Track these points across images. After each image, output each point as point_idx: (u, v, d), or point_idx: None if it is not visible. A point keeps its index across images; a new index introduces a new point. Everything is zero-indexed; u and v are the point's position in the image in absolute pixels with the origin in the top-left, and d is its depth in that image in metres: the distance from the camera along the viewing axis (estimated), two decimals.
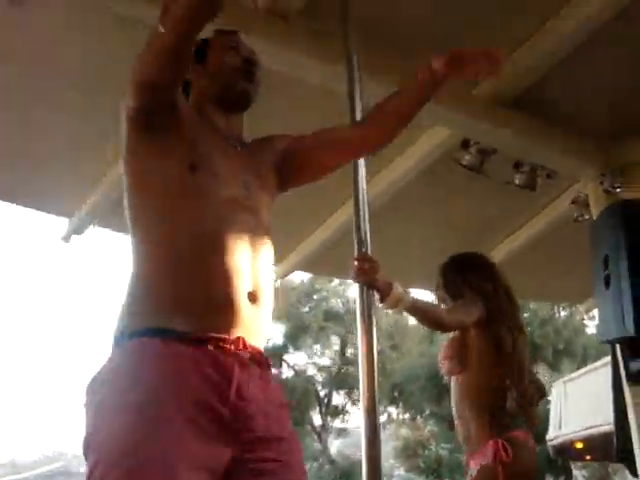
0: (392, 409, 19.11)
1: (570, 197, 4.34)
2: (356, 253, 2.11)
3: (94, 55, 3.04)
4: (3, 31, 2.82)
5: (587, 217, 4.09)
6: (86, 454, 1.35)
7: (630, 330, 2.98)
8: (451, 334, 2.84)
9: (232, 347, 1.41)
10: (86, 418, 1.39)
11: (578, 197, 4.20)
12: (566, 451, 11.63)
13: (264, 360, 1.50)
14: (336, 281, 19.06)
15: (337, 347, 20.19)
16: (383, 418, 19.82)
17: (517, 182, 3.88)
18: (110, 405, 1.35)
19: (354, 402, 19.65)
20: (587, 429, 8.89)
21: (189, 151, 1.55)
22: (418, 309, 2.46)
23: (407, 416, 19.15)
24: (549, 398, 12.46)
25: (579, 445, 10.72)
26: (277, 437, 1.44)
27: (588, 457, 12.72)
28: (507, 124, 3.47)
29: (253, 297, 1.47)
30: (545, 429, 12.04)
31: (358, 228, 2.10)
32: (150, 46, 1.46)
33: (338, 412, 20.02)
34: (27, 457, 26.36)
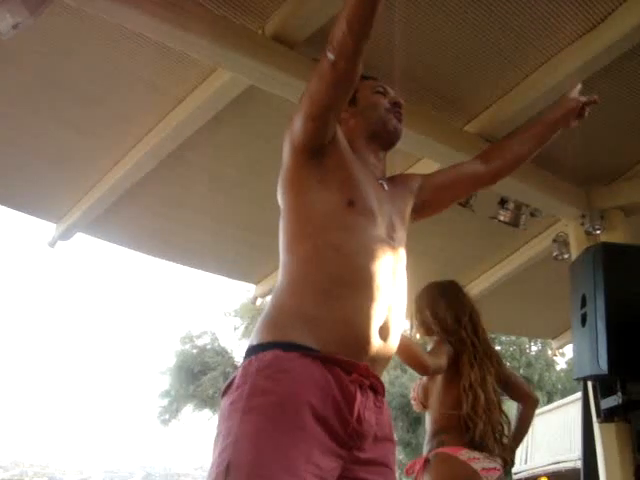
0: None
1: (551, 235, 4.46)
2: None
3: (95, 68, 3.11)
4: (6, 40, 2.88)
5: (566, 256, 4.20)
6: (217, 450, 1.40)
7: (604, 368, 3.07)
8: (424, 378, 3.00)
9: (358, 374, 1.49)
10: (220, 418, 1.46)
11: (559, 236, 4.32)
12: None
13: (381, 388, 1.59)
14: None
15: None
16: None
17: (501, 218, 3.98)
18: (240, 409, 1.42)
19: None
20: (553, 464, 8.96)
21: (348, 186, 1.64)
22: (402, 344, 2.55)
23: None
24: None
25: None
26: (380, 462, 1.54)
27: None
28: None
29: (384, 333, 1.56)
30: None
31: None
32: (322, 75, 1.57)
33: None
34: None
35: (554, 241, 4.33)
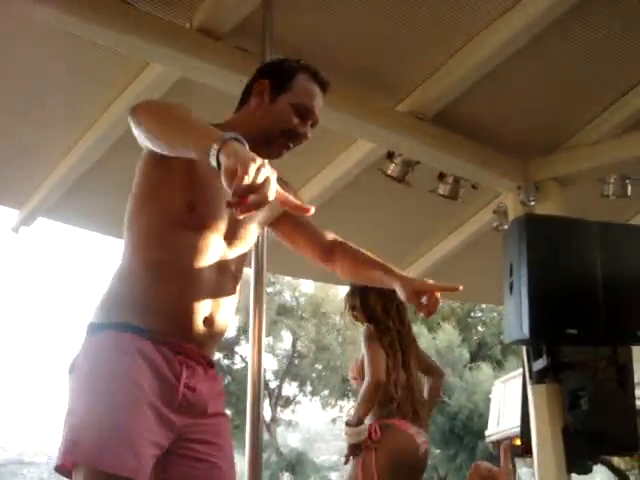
0: (343, 402, 19.35)
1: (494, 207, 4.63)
2: None
3: (38, 64, 3.23)
4: None
5: (506, 227, 4.37)
6: (66, 426, 1.53)
7: (525, 333, 3.26)
8: (359, 357, 3.25)
9: (183, 353, 1.62)
10: (68, 399, 1.58)
11: (499, 207, 4.49)
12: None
13: (209, 362, 1.72)
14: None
15: (289, 340, 20.47)
16: (335, 412, 20.08)
17: (441, 192, 4.15)
18: (84, 390, 1.55)
19: (305, 394, 19.91)
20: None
21: (190, 190, 1.66)
22: (358, 413, 2.99)
23: None
24: (490, 396, 12.86)
25: (517, 442, 11.05)
26: (213, 419, 1.68)
27: (528, 453, 13.11)
28: (428, 138, 3.73)
29: (209, 322, 1.67)
30: (484, 426, 12.45)
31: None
32: (149, 130, 1.53)
33: (289, 402, 20.24)
34: None
35: (494, 212, 4.51)
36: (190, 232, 1.67)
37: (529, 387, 3.83)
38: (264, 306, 2.34)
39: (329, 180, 4.00)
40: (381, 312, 3.14)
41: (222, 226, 1.72)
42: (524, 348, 3.92)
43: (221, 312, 1.72)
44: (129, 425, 1.50)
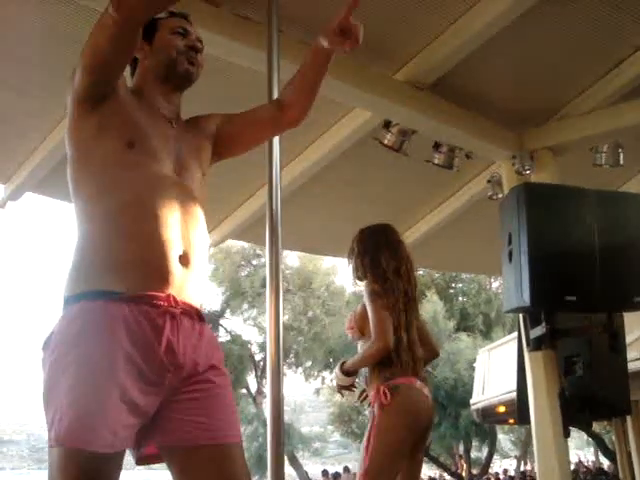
0: (326, 374, 19.46)
1: (488, 176, 4.64)
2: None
3: (28, 31, 3.15)
4: None
5: (500, 195, 4.38)
6: (45, 407, 1.52)
7: (526, 301, 3.28)
8: (358, 308, 3.16)
9: (164, 304, 1.54)
10: (43, 374, 1.54)
11: (493, 177, 4.50)
12: (490, 415, 12.16)
13: (196, 313, 1.64)
14: None
15: None
16: (317, 383, 20.23)
17: (436, 161, 4.14)
18: (59, 364, 1.50)
19: (289, 366, 20.01)
20: (507, 393, 9.28)
21: (127, 129, 1.67)
22: (356, 364, 2.94)
23: None
24: (474, 365, 12.98)
25: (501, 409, 11.20)
26: (207, 375, 1.61)
27: (511, 420, 13.31)
28: (425, 108, 3.72)
29: (184, 260, 1.60)
30: (470, 395, 12.58)
31: (270, 207, 2.34)
32: (102, 29, 1.54)
33: None
34: None
35: (488, 181, 4.52)
36: (137, 170, 1.64)
37: (526, 354, 3.86)
38: (280, 285, 2.26)
39: (324, 150, 3.98)
40: (393, 273, 3.05)
41: (167, 158, 1.71)
42: (520, 316, 3.95)
43: (195, 248, 1.66)
44: (104, 401, 1.46)
